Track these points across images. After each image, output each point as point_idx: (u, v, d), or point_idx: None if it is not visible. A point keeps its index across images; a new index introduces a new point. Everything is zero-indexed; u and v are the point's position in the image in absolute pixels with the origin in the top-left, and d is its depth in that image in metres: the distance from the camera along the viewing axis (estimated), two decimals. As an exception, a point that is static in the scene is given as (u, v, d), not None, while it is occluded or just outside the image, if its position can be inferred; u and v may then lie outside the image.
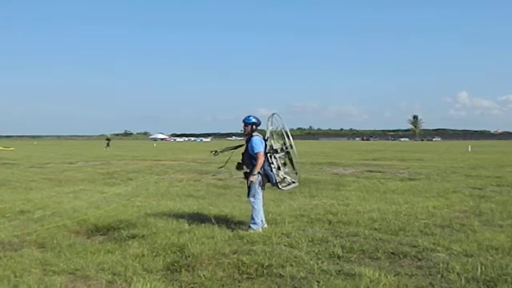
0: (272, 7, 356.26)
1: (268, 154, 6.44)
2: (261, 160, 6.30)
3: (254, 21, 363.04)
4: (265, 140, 6.51)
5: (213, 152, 7.25)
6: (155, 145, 71.95)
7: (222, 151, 7.01)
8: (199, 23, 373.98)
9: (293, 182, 6.64)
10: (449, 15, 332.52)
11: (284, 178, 6.58)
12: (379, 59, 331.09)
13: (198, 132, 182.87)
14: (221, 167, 7.23)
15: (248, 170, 6.48)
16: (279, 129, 6.66)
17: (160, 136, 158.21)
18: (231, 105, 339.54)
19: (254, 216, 6.37)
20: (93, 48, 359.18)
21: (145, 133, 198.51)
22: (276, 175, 6.43)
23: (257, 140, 6.41)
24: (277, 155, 6.52)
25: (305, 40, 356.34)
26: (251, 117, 6.59)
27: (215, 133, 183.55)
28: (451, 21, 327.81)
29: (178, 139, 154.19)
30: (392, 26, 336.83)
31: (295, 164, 6.70)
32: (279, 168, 6.52)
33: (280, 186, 6.51)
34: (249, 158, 6.44)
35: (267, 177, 6.43)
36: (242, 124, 6.62)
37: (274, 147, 6.53)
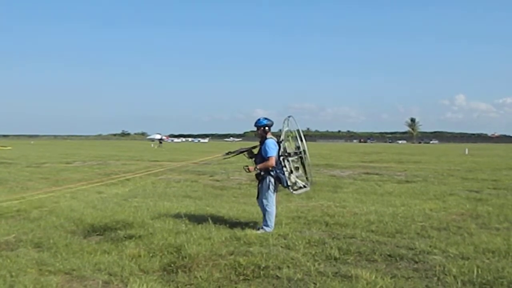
0: (270, 7, 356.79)
1: (281, 157, 6.37)
2: (269, 163, 6.28)
3: (252, 21, 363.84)
4: (279, 143, 6.44)
5: (227, 153, 7.02)
6: (152, 145, 71.81)
7: (235, 153, 6.83)
8: (197, 23, 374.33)
9: (305, 187, 6.58)
10: (447, 18, 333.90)
11: (296, 182, 6.51)
12: (377, 60, 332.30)
13: (195, 133, 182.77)
14: (228, 154, 7.03)
15: (259, 172, 6.47)
16: (293, 132, 6.57)
17: (158, 136, 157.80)
18: (229, 105, 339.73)
19: (267, 218, 6.37)
20: (90, 47, 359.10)
21: (143, 134, 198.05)
22: (287, 179, 6.37)
23: (271, 143, 6.34)
24: (290, 159, 6.45)
25: (303, 40, 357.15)
26: (262, 119, 6.51)
27: (213, 134, 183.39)
28: (450, 24, 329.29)
29: (175, 139, 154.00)
30: (390, 28, 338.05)
31: (308, 169, 6.60)
32: (291, 171, 6.45)
33: (291, 190, 6.47)
34: (261, 160, 6.40)
35: (279, 180, 6.40)
36: (255, 128, 6.54)
37: (288, 151, 6.45)
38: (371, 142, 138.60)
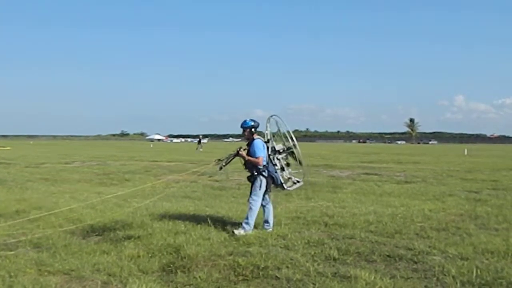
0: (269, 8, 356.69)
1: (271, 156, 6.38)
2: (258, 161, 6.28)
3: (252, 23, 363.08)
4: (267, 142, 6.44)
5: (217, 161, 6.82)
6: (151, 146, 71.81)
7: (227, 161, 6.72)
8: (196, 23, 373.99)
9: (298, 182, 6.60)
10: (446, 19, 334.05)
11: (289, 178, 6.55)
12: (376, 61, 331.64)
13: (195, 133, 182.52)
14: (221, 168, 6.99)
15: (251, 174, 6.45)
16: (280, 130, 6.58)
17: (157, 137, 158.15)
18: (228, 106, 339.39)
19: (248, 216, 6.32)
20: (90, 48, 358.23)
21: (142, 134, 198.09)
22: (280, 176, 6.40)
23: (258, 143, 6.34)
24: (279, 156, 6.46)
25: (302, 41, 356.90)
26: (248, 121, 6.50)
27: (212, 134, 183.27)
28: (448, 25, 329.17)
29: (175, 140, 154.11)
30: (389, 29, 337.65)
31: (302, 162, 6.60)
32: (282, 169, 6.48)
33: (285, 187, 6.48)
34: (251, 162, 6.38)
35: (272, 179, 6.40)
36: (241, 130, 6.52)
37: (276, 148, 6.47)
38: (370, 143, 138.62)
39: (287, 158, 6.62)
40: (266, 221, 6.53)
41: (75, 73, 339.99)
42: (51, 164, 22.25)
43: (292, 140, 6.49)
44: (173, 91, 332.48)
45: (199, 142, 47.65)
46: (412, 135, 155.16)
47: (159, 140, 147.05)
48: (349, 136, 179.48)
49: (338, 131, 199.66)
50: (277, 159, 6.45)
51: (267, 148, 6.41)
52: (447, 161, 26.76)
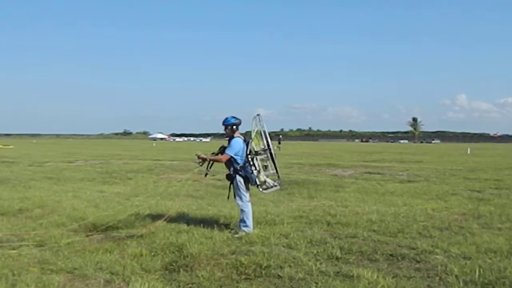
0: (272, 7, 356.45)
1: (250, 156, 6.24)
2: (221, 158, 6.24)
3: (254, 22, 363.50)
4: (248, 142, 6.29)
5: (201, 172, 6.76)
6: (154, 144, 71.92)
7: (209, 166, 6.62)
8: (198, 23, 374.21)
9: (275, 186, 6.42)
10: (448, 18, 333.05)
11: (265, 181, 6.36)
12: (378, 61, 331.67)
13: (197, 132, 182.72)
14: (206, 175, 6.93)
15: (229, 172, 6.36)
16: (259, 130, 6.39)
17: (160, 136, 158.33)
18: (231, 105, 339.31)
19: (245, 219, 6.24)
20: (93, 47, 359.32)
21: (145, 133, 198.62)
22: (256, 178, 6.25)
23: (235, 142, 6.23)
24: (258, 157, 6.31)
25: (305, 40, 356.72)
26: (229, 118, 6.38)
27: (215, 133, 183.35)
28: (450, 24, 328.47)
29: (177, 139, 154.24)
30: (391, 28, 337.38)
31: (277, 167, 6.42)
32: (259, 171, 6.29)
33: (261, 189, 6.34)
34: (229, 161, 6.30)
35: (247, 179, 6.30)
36: (223, 127, 6.42)
37: (256, 149, 6.32)
38: (373, 142, 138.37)
39: (267, 160, 6.37)
40: (242, 221, 6.31)
41: (78, 72, 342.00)
42: (54, 163, 22.32)
43: (267, 141, 6.29)
44: (176, 90, 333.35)
45: (279, 142, 46.52)
46: (415, 134, 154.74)
47: (161, 139, 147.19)
48: (351, 135, 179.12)
49: (341, 130, 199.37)
50: (256, 159, 6.28)
51: (247, 147, 6.26)
52: (450, 160, 26.68)
